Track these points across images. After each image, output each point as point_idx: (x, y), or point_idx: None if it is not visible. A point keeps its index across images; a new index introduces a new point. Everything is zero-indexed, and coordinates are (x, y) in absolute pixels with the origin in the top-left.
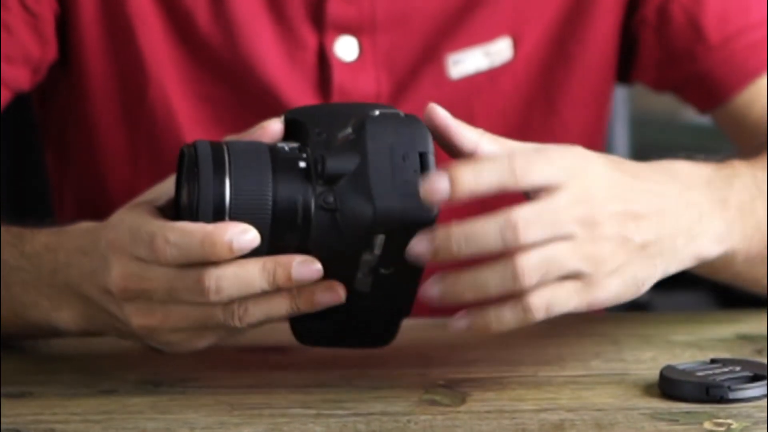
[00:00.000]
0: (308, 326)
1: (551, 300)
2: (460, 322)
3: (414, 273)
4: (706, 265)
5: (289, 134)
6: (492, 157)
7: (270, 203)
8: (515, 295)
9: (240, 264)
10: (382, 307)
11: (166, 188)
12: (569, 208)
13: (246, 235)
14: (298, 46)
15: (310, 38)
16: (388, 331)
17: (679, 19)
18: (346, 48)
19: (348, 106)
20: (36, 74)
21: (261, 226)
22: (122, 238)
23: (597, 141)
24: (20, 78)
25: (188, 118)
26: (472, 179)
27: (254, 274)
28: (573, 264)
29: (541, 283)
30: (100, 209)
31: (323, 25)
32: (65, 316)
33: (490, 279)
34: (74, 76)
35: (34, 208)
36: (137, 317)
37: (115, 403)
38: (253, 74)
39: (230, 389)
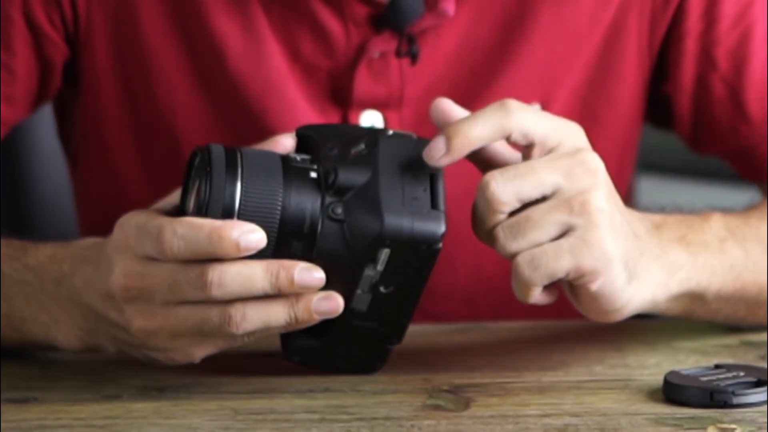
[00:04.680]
0: (299, 343)
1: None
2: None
3: (412, 296)
4: (675, 301)
5: (300, 149)
6: (486, 108)
7: (279, 209)
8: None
9: (244, 262)
10: (375, 330)
11: (171, 199)
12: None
13: (253, 234)
14: (324, 116)
15: (333, 112)
16: (377, 358)
17: (720, 93)
18: (371, 121)
19: (360, 127)
20: (38, 106)
21: (268, 231)
22: (128, 236)
23: (620, 194)
24: (19, 115)
25: None
26: (466, 129)
27: (257, 273)
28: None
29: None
30: (113, 227)
31: (348, 103)
32: (64, 331)
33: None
34: (88, 106)
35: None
36: (137, 319)
37: (119, 408)
38: (278, 129)
39: (234, 394)
